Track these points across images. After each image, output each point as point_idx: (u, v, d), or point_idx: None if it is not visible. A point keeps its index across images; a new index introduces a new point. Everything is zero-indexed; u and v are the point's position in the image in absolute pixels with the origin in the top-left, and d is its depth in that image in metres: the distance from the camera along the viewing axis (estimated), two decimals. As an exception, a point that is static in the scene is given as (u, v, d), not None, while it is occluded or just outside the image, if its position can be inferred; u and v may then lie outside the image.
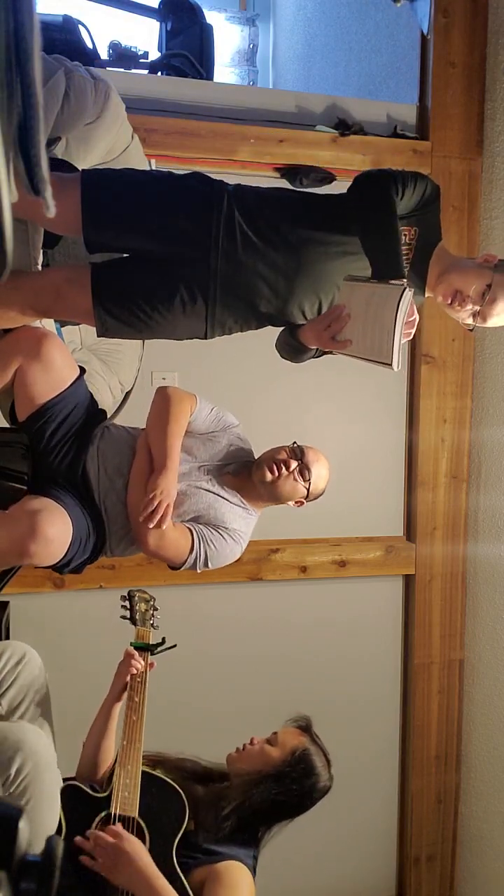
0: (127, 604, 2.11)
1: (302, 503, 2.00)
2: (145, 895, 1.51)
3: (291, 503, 1.99)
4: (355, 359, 1.74)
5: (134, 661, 1.90)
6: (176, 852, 1.62)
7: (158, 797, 1.70)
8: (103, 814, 1.63)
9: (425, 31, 2.90)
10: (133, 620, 2.07)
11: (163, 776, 1.76)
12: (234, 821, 1.70)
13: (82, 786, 1.73)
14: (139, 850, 1.55)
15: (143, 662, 1.91)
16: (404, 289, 1.57)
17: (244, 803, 1.72)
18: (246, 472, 1.97)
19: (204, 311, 1.76)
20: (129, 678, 1.90)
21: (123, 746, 1.73)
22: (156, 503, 1.78)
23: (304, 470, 1.93)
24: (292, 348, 1.90)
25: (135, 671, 1.89)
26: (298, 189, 2.94)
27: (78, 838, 1.58)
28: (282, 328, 1.92)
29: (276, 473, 1.91)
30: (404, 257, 1.74)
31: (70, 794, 1.65)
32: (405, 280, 1.60)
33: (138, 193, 1.74)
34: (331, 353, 1.83)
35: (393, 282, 1.60)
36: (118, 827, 1.59)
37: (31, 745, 1.46)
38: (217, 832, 1.69)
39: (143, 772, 1.71)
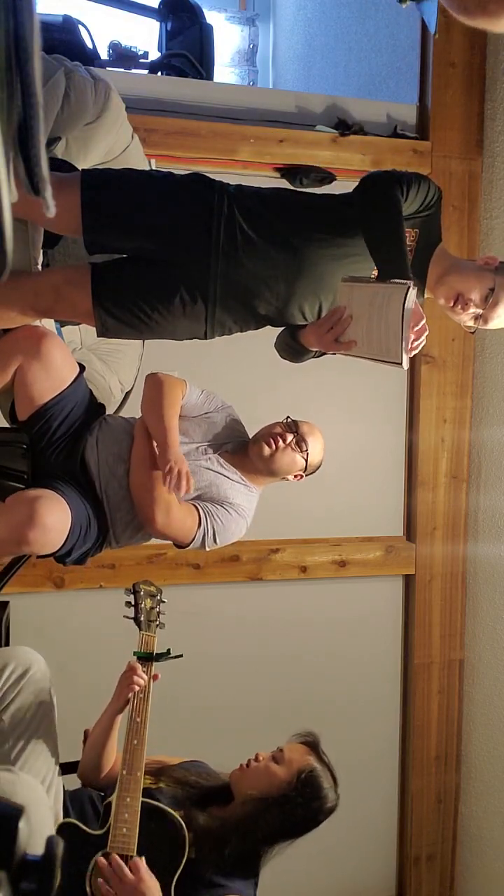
0: (132, 598, 1.96)
1: (301, 476, 2.03)
2: None
3: (290, 477, 2.02)
4: (360, 359, 1.74)
5: (136, 679, 1.79)
6: (176, 884, 1.57)
7: (158, 830, 1.63)
8: (99, 854, 1.56)
9: (433, 31, 2.90)
10: (138, 622, 1.94)
11: (164, 807, 1.67)
12: (237, 853, 1.65)
13: (77, 823, 1.65)
14: (154, 891, 1.51)
15: (145, 679, 1.80)
16: (408, 287, 1.57)
17: (247, 836, 1.66)
18: (244, 450, 2.01)
19: (204, 312, 1.76)
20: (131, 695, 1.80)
21: (123, 776, 1.65)
22: (174, 470, 1.78)
23: (300, 441, 1.98)
24: (293, 350, 1.90)
25: (137, 688, 1.78)
26: (299, 189, 2.94)
27: (99, 858, 1.54)
28: (281, 328, 1.92)
29: (274, 447, 1.95)
30: None
31: (66, 833, 1.59)
32: (409, 281, 1.60)
33: (138, 194, 1.74)
34: (332, 353, 1.83)
35: (395, 280, 1.59)
36: (141, 863, 1.53)
37: (24, 799, 1.42)
38: (219, 864, 1.63)
39: (144, 802, 1.63)
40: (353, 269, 1.74)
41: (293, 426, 2.01)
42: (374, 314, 1.62)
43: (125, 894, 1.50)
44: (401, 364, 1.61)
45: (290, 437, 1.98)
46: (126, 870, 1.51)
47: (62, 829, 1.60)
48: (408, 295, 1.56)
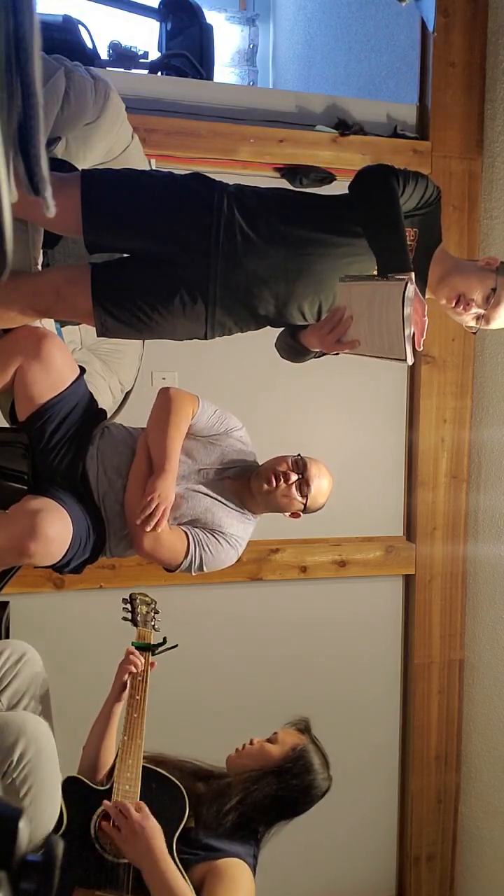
0: (128, 606, 2.12)
1: (298, 515, 1.97)
2: (152, 873, 1.53)
3: (286, 514, 1.96)
4: (364, 357, 1.73)
5: (133, 658, 1.91)
6: (176, 848, 1.63)
7: (158, 792, 1.72)
8: (103, 808, 1.65)
9: (431, 29, 2.90)
10: (134, 622, 2.08)
11: (164, 772, 1.77)
12: (235, 816, 1.71)
13: (83, 778, 1.75)
14: (157, 832, 1.58)
15: (142, 660, 1.92)
16: (406, 281, 1.56)
17: (245, 798, 1.73)
18: (246, 478, 1.95)
19: (203, 312, 1.76)
20: (129, 677, 1.90)
21: (124, 742, 1.74)
22: (153, 506, 1.77)
23: (302, 485, 1.90)
24: (294, 350, 1.89)
25: (134, 669, 1.89)
26: (299, 189, 2.94)
27: (106, 801, 1.63)
28: (282, 329, 1.92)
29: (274, 485, 1.88)
30: None
31: (71, 787, 1.66)
32: (409, 273, 1.58)
33: (138, 194, 1.74)
34: (335, 353, 1.82)
35: (393, 276, 1.59)
36: (144, 806, 1.62)
37: (32, 732, 1.47)
38: (217, 828, 1.70)
39: (144, 767, 1.72)
40: (352, 269, 1.74)
41: (300, 466, 1.92)
42: (375, 312, 1.62)
43: (129, 832, 1.56)
44: (405, 360, 1.60)
45: (293, 478, 1.89)
46: (131, 808, 1.60)
47: (68, 784, 1.65)
48: (406, 289, 1.55)
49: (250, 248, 1.71)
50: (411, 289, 1.55)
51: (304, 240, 1.72)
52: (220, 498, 1.93)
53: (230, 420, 2.01)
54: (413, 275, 1.57)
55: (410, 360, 1.60)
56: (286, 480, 1.89)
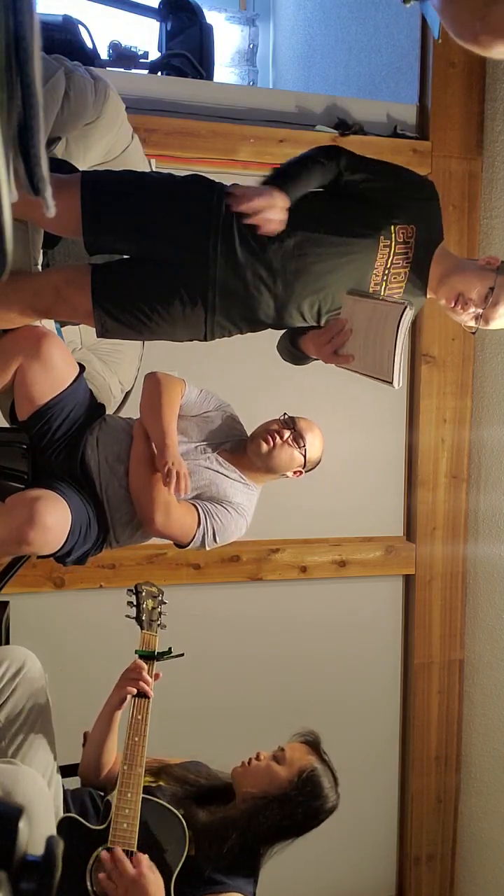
0: (134, 599, 2.00)
1: (300, 473, 2.03)
2: None
3: (290, 473, 2.02)
4: (356, 373, 1.76)
5: (141, 685, 1.79)
6: (176, 881, 1.57)
7: (159, 827, 1.64)
8: (100, 849, 1.56)
9: (436, 36, 2.90)
10: (139, 621, 1.97)
11: (164, 803, 1.68)
12: (238, 847, 1.65)
13: (79, 818, 1.64)
14: (157, 888, 1.50)
15: (151, 682, 1.81)
16: (405, 308, 1.60)
17: (248, 830, 1.66)
18: (242, 448, 2.01)
19: (203, 314, 1.76)
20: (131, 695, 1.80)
21: (124, 771, 1.66)
22: (173, 472, 1.79)
23: (297, 438, 1.97)
24: (294, 356, 1.92)
25: (136, 691, 1.79)
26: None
27: (103, 852, 1.53)
28: (283, 330, 1.92)
29: (271, 444, 1.95)
30: (404, 256, 1.75)
31: (66, 827, 1.59)
32: (407, 301, 1.63)
33: (138, 197, 1.74)
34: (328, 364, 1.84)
35: (394, 300, 1.62)
36: (144, 857, 1.53)
37: (24, 792, 1.41)
38: (219, 861, 1.63)
39: (144, 798, 1.64)
40: (350, 268, 1.74)
41: (290, 423, 2.01)
42: (371, 331, 1.66)
43: (126, 887, 1.49)
44: (391, 383, 1.65)
45: (287, 434, 1.97)
46: (128, 862, 1.51)
47: (63, 824, 1.59)
48: (403, 316, 1.58)
49: (248, 250, 1.71)
50: (409, 314, 1.59)
51: (302, 239, 1.72)
52: (221, 470, 1.97)
53: (217, 398, 2.09)
54: (407, 305, 1.63)
55: (398, 385, 1.66)
56: (281, 437, 1.96)
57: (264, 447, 1.95)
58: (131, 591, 2.02)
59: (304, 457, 1.98)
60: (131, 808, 1.60)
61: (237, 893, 1.61)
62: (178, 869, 1.59)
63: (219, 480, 1.95)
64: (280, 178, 1.66)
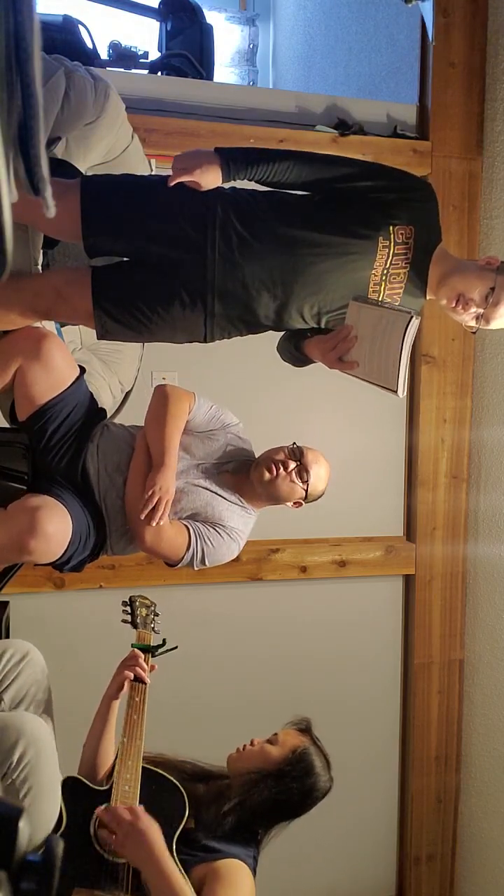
0: (128, 609, 2.11)
1: (300, 504, 1.99)
2: (152, 873, 1.50)
3: (289, 504, 1.99)
4: (359, 380, 1.76)
5: (137, 670, 1.87)
6: (175, 849, 1.61)
7: (158, 793, 1.71)
8: (103, 806, 1.63)
9: (430, 39, 2.91)
10: (134, 624, 2.07)
11: (164, 773, 1.76)
12: (234, 818, 1.70)
13: (83, 779, 1.74)
14: (154, 831, 1.55)
15: (146, 668, 1.89)
16: (412, 317, 1.60)
17: (245, 801, 1.72)
18: (245, 471, 1.97)
19: (203, 316, 1.76)
20: (128, 682, 1.88)
21: (124, 742, 1.73)
22: (155, 500, 1.79)
23: (302, 471, 1.93)
24: (295, 359, 1.91)
25: (132, 676, 1.86)
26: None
27: (99, 809, 1.60)
28: (284, 332, 1.92)
29: (274, 473, 1.91)
30: (403, 256, 1.75)
31: (71, 787, 1.65)
32: (413, 311, 1.63)
33: (137, 200, 1.75)
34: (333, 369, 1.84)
35: (401, 308, 1.62)
36: (137, 806, 1.59)
37: (32, 733, 1.46)
38: (217, 829, 1.69)
39: (144, 767, 1.71)
40: (350, 268, 1.74)
41: (297, 453, 1.95)
42: (377, 338, 1.66)
43: (124, 834, 1.53)
44: (396, 391, 1.65)
45: (292, 465, 1.92)
46: (124, 810, 1.56)
47: (68, 784, 1.64)
48: (409, 325, 1.58)
49: (247, 250, 1.71)
50: (415, 323, 1.59)
51: (300, 240, 1.72)
52: (219, 492, 1.94)
53: (227, 416, 2.04)
54: (414, 314, 1.63)
55: (402, 394, 1.66)
56: (285, 468, 1.92)
57: (266, 475, 1.91)
58: (125, 602, 2.11)
59: (306, 491, 1.94)
60: (132, 774, 1.66)
61: (235, 859, 1.64)
62: (177, 835, 1.63)
63: (215, 502, 1.92)
64: (240, 152, 1.70)
